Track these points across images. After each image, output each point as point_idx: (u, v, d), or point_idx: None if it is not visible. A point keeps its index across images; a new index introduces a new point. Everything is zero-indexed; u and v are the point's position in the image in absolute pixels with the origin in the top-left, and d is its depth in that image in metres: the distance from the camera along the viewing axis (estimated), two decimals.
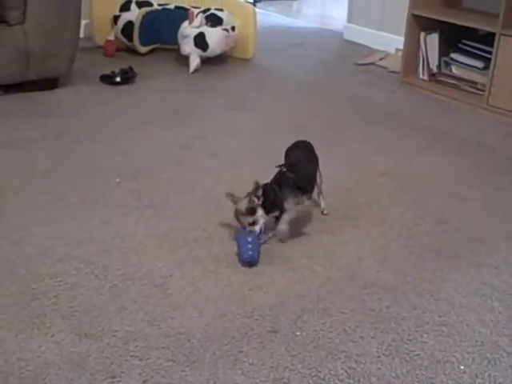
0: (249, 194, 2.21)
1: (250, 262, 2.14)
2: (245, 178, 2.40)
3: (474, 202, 2.66)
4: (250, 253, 2.14)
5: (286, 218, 2.27)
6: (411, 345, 1.83)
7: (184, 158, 2.93)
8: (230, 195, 2.25)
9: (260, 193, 2.20)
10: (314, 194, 2.45)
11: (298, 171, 2.32)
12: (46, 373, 1.66)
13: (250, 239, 2.17)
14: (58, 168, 2.76)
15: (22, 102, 3.43)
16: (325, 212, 2.49)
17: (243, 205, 2.20)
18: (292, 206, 2.27)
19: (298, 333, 1.85)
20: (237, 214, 2.23)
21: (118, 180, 2.67)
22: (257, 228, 2.21)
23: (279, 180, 2.28)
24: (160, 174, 2.77)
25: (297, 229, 2.35)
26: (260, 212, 2.21)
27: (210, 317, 1.90)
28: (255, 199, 2.20)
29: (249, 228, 2.21)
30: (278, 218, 2.29)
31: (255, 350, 1.78)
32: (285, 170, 2.31)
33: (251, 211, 2.20)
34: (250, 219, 2.20)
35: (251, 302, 1.98)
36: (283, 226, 2.27)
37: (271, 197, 2.23)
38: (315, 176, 2.43)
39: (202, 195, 2.60)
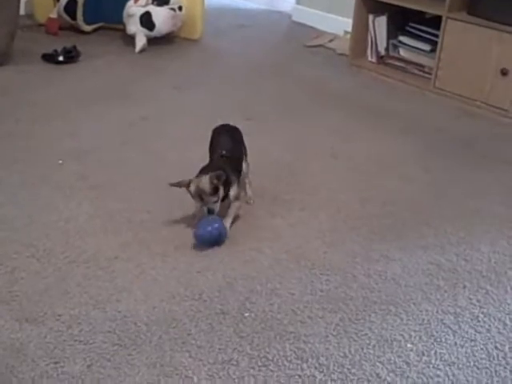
0: (198, 177, 2.15)
1: (202, 237, 2.11)
2: (191, 159, 2.37)
3: (421, 183, 2.68)
4: (209, 228, 2.11)
5: (235, 210, 2.25)
6: (359, 324, 1.84)
7: (130, 139, 2.86)
8: (175, 184, 2.17)
9: (222, 178, 2.15)
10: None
11: (234, 157, 2.30)
12: None
13: (211, 219, 2.14)
14: None
15: None
16: (250, 201, 2.42)
17: (205, 184, 2.13)
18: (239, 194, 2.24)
19: (246, 314, 1.84)
20: (198, 193, 2.14)
21: (60, 161, 2.60)
22: (218, 205, 2.17)
23: (223, 165, 2.22)
24: (105, 155, 2.70)
25: (245, 212, 2.32)
26: (221, 191, 2.17)
27: (157, 299, 1.87)
28: (215, 180, 2.13)
29: (211, 206, 2.15)
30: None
31: (203, 333, 1.76)
32: (228, 155, 2.27)
33: (215, 190, 2.14)
34: (215, 197, 2.15)
35: (199, 284, 1.95)
36: (230, 219, 2.23)
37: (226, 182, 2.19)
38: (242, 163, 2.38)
39: (148, 177, 2.55)
